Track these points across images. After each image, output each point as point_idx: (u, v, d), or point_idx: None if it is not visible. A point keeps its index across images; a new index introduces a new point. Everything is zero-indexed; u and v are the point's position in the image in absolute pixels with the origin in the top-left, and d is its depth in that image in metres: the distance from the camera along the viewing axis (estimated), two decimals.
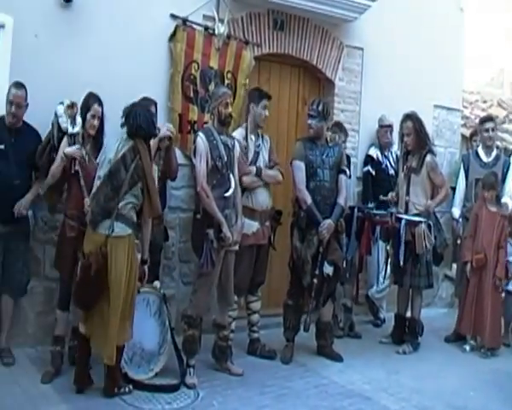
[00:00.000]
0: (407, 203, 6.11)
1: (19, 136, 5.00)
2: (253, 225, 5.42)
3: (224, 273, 5.02)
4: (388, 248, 6.34)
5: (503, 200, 6.51)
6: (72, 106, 4.80)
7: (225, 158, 4.96)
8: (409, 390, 5.17)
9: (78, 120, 4.80)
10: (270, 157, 5.66)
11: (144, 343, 4.91)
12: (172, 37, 5.84)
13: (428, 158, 6.05)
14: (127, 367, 4.79)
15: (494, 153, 6.87)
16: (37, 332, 5.37)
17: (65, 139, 4.78)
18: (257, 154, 5.55)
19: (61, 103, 4.82)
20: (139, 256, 4.62)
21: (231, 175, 5.02)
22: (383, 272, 6.65)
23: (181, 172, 5.73)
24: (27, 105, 4.97)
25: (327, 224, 5.40)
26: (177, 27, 5.83)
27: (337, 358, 5.73)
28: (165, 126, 5.16)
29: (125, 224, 4.42)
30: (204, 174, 4.87)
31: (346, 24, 6.92)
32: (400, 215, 6.07)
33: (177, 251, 6.05)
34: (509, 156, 7.10)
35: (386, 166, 7.00)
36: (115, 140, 4.54)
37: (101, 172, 4.47)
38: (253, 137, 5.55)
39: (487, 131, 6.83)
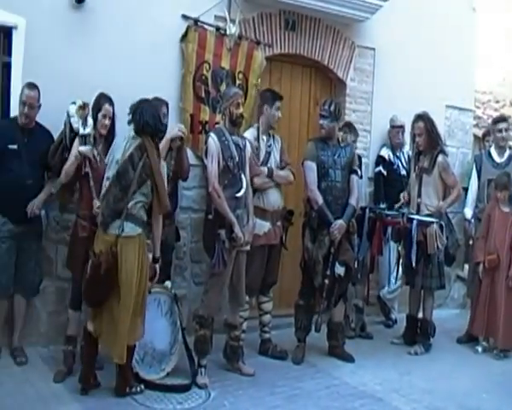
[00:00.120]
0: (419, 204, 6.09)
1: (31, 136, 5.03)
2: (264, 226, 5.42)
3: (235, 273, 5.03)
4: (400, 248, 6.32)
5: None
6: (83, 107, 4.82)
7: (237, 158, 4.96)
8: (420, 391, 5.14)
9: (90, 121, 4.82)
10: (281, 157, 5.66)
11: (155, 343, 4.92)
12: (184, 37, 5.85)
13: (440, 158, 6.03)
14: (138, 367, 4.81)
15: (507, 153, 6.84)
16: (50, 332, 5.40)
17: (77, 140, 4.80)
18: (268, 154, 5.55)
19: (73, 103, 4.84)
20: (150, 256, 4.63)
21: (243, 175, 5.02)
22: (395, 273, 6.62)
23: (192, 173, 5.74)
24: (40, 106, 5.01)
25: (338, 224, 5.40)
26: (188, 28, 5.84)
27: (348, 358, 5.72)
28: (176, 127, 5.17)
29: (135, 223, 4.43)
30: (216, 175, 4.87)
31: (358, 24, 6.90)
32: (412, 216, 6.04)
33: (189, 251, 6.06)
34: None
35: (398, 166, 6.98)
36: (122, 139, 4.56)
37: (110, 172, 4.49)
38: (264, 138, 5.56)
39: (500, 131, 6.80)
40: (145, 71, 5.59)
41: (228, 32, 5.99)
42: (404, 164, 6.91)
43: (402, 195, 6.28)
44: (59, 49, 5.30)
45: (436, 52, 7.48)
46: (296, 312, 5.68)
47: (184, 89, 5.88)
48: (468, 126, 8.18)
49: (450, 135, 7.88)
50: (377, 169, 7.06)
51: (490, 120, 8.22)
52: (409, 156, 6.75)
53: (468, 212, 7.05)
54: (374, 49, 7.16)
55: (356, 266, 5.79)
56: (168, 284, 5.14)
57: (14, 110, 5.06)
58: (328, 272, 5.42)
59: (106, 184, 4.48)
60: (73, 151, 4.79)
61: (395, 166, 6.98)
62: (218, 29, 5.98)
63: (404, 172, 6.87)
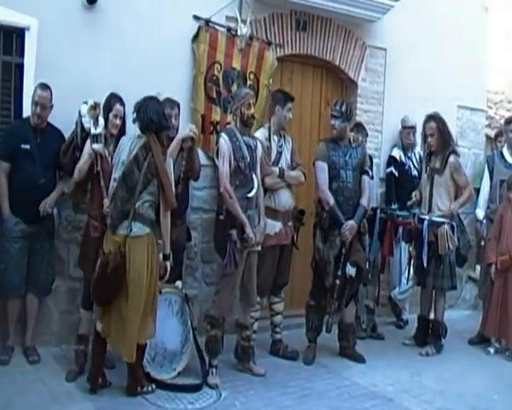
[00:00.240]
0: (430, 204, 6.07)
1: (43, 136, 5.07)
2: (275, 226, 5.42)
3: (246, 274, 5.03)
4: (411, 249, 6.30)
5: None
6: (94, 107, 4.84)
7: (248, 159, 4.97)
8: (432, 392, 5.13)
9: (101, 121, 4.85)
10: (292, 158, 5.66)
11: (166, 343, 4.94)
12: (195, 38, 5.86)
13: (452, 159, 6.00)
14: (150, 367, 4.82)
15: None
16: (62, 331, 5.43)
17: (88, 140, 4.82)
18: (279, 154, 5.56)
19: (85, 103, 4.87)
20: (161, 255, 4.64)
21: (254, 176, 5.02)
22: (406, 274, 6.60)
23: (203, 173, 5.75)
24: (52, 106, 5.04)
25: (349, 225, 5.39)
26: (199, 28, 5.85)
27: (359, 359, 5.71)
28: (187, 127, 5.19)
29: (143, 223, 4.44)
30: (227, 175, 4.87)
31: (369, 24, 6.89)
32: (423, 216, 6.03)
33: (200, 251, 6.07)
34: None
35: (410, 167, 6.95)
36: (128, 139, 4.57)
37: (116, 174, 4.50)
38: (275, 138, 5.56)
39: None
40: (156, 71, 5.60)
41: (239, 33, 6.00)
42: (416, 165, 6.89)
43: (414, 193, 6.26)
44: (71, 49, 5.33)
45: (448, 52, 7.46)
46: (307, 312, 5.68)
47: (196, 89, 5.90)
48: (480, 127, 8.14)
49: (462, 135, 7.85)
50: (388, 170, 7.04)
51: (502, 121, 8.15)
52: (420, 157, 6.73)
53: (480, 213, 7.01)
54: (385, 49, 7.14)
55: (367, 266, 5.78)
56: (179, 283, 5.15)
57: (27, 111, 5.09)
58: (340, 273, 5.42)
59: (113, 185, 4.50)
60: (86, 149, 4.81)
61: (406, 167, 6.96)
62: (229, 29, 5.99)
63: (415, 172, 6.85)
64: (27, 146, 5.00)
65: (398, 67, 7.16)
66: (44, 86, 4.97)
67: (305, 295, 5.80)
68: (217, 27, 5.94)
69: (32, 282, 5.15)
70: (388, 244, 6.36)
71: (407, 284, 6.76)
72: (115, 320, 4.47)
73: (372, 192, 6.16)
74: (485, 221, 6.98)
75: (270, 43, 6.23)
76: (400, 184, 6.90)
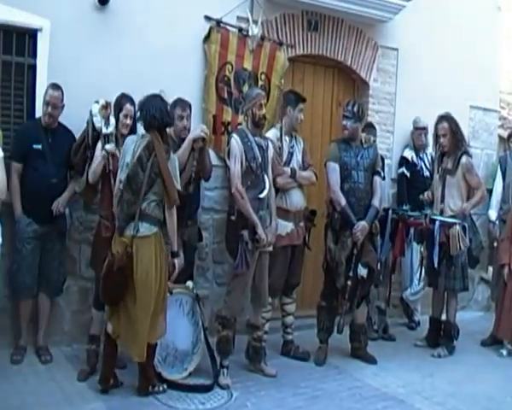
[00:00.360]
0: (442, 205, 6.04)
1: (55, 136, 5.10)
2: (287, 226, 5.42)
3: (258, 274, 5.03)
4: (422, 249, 6.28)
5: None
6: (106, 106, 4.86)
7: (259, 159, 4.97)
8: (444, 394, 5.10)
9: (112, 120, 4.87)
10: (303, 158, 5.65)
11: (177, 343, 4.94)
12: (206, 38, 5.87)
13: (464, 159, 5.97)
14: (161, 367, 4.83)
15: None
16: (73, 331, 5.46)
17: (100, 140, 4.84)
18: (290, 155, 5.56)
19: (96, 102, 4.89)
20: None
21: (265, 176, 5.02)
22: (418, 274, 6.57)
23: (214, 173, 5.75)
24: (63, 106, 5.07)
25: (361, 226, 5.37)
26: (211, 29, 5.86)
27: (371, 360, 5.70)
28: (199, 128, 5.18)
29: (150, 223, 4.44)
30: (238, 176, 4.87)
31: (381, 24, 6.87)
32: (435, 217, 6.00)
33: (211, 252, 6.07)
34: None
35: (421, 167, 6.93)
36: (132, 140, 4.57)
37: (122, 175, 4.51)
38: (287, 139, 5.56)
39: None
40: (168, 72, 5.62)
41: (250, 33, 6.00)
42: (428, 165, 6.87)
43: (426, 193, 6.24)
44: (83, 50, 5.35)
45: (460, 52, 7.43)
46: (318, 313, 5.67)
47: (207, 90, 5.90)
48: (492, 127, 8.10)
49: (475, 136, 7.82)
50: (400, 170, 7.02)
51: None
52: (432, 158, 6.71)
53: (493, 213, 6.99)
54: (397, 49, 7.12)
55: (378, 267, 5.76)
56: (190, 284, 5.15)
57: (39, 111, 5.12)
58: (351, 274, 5.41)
59: (119, 186, 4.50)
60: (98, 152, 4.83)
61: (418, 168, 6.94)
62: (240, 30, 6.00)
63: (427, 173, 6.83)
64: (39, 146, 5.03)
65: (410, 68, 7.13)
66: (56, 86, 5.00)
67: (316, 295, 5.79)
68: (228, 28, 5.95)
69: (44, 282, 5.18)
70: (400, 245, 6.33)
71: (419, 284, 6.74)
72: (124, 321, 4.48)
73: (384, 193, 6.16)
74: (497, 222, 6.96)
75: (281, 44, 6.23)
76: (412, 184, 6.88)
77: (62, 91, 5.02)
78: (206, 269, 6.07)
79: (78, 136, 5.08)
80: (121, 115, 4.94)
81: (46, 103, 4.99)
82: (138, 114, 4.59)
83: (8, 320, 5.21)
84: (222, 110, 5.99)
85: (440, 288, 6.08)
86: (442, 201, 6.04)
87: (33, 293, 5.16)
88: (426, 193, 6.26)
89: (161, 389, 4.67)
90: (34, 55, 5.26)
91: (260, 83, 6.13)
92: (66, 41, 5.28)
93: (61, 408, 4.33)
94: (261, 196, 4.95)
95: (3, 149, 4.71)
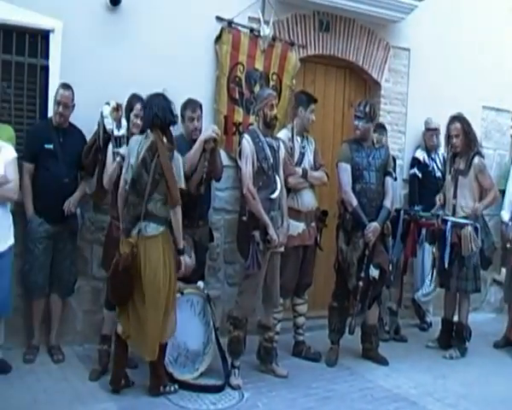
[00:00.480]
0: (454, 206, 6.01)
1: (66, 136, 5.13)
2: (298, 226, 5.41)
3: (269, 275, 5.02)
4: (434, 250, 6.25)
5: None
6: (117, 109, 4.88)
7: (271, 160, 4.96)
8: (456, 396, 5.07)
9: (124, 122, 4.89)
10: (315, 159, 5.65)
11: (189, 344, 4.95)
12: (218, 39, 5.88)
13: (476, 160, 5.94)
14: (172, 367, 4.83)
15: None
16: (85, 330, 5.48)
17: (110, 143, 4.86)
18: (302, 155, 5.55)
19: (107, 104, 4.91)
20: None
21: (277, 177, 5.01)
22: (429, 276, 6.54)
23: (225, 174, 5.76)
24: (74, 106, 5.10)
25: (373, 227, 5.36)
26: (222, 29, 5.87)
27: (382, 361, 5.68)
28: (210, 128, 5.19)
29: (157, 223, 4.46)
30: (250, 176, 4.87)
31: (393, 24, 6.86)
32: (446, 217, 5.98)
33: (222, 252, 6.08)
34: None
35: (433, 168, 6.92)
36: (136, 141, 4.57)
37: (127, 175, 4.52)
38: (298, 139, 5.56)
39: None
40: (179, 72, 5.63)
41: (262, 34, 6.00)
42: (440, 166, 6.85)
43: (437, 197, 6.21)
44: (95, 51, 5.37)
45: (472, 52, 7.40)
46: (330, 314, 5.66)
47: (218, 90, 5.91)
48: (505, 128, 8.05)
49: (487, 136, 7.78)
50: (412, 171, 7.01)
51: None
52: (444, 158, 6.68)
53: (505, 214, 6.93)
54: (409, 49, 7.10)
55: (390, 268, 5.74)
56: (201, 284, 5.16)
57: (52, 112, 5.14)
58: (363, 275, 5.39)
59: (126, 187, 4.51)
60: (109, 154, 4.84)
61: (430, 169, 6.93)
62: (251, 30, 6.00)
63: (439, 174, 6.81)
64: (50, 146, 5.06)
65: (422, 68, 7.11)
66: (66, 86, 5.03)
67: (327, 296, 5.78)
68: (239, 28, 5.95)
69: (56, 282, 5.21)
70: (411, 246, 6.31)
71: (430, 285, 6.71)
72: (134, 321, 4.49)
73: (395, 193, 6.13)
74: (510, 223, 6.89)
75: (292, 44, 6.23)
76: (424, 185, 6.87)
77: (73, 91, 5.04)
78: (218, 269, 6.07)
79: (90, 136, 5.10)
80: (132, 115, 4.95)
81: (57, 103, 5.02)
82: (141, 112, 4.61)
83: (21, 320, 5.24)
84: (233, 111, 5.99)
85: (452, 289, 6.05)
86: (454, 201, 6.01)
87: (45, 292, 5.19)
88: (437, 197, 6.23)
89: (172, 389, 4.68)
90: (47, 56, 5.29)
91: (272, 83, 6.13)
92: (79, 42, 5.30)
93: (73, 407, 4.36)
94: (273, 196, 4.94)
95: (16, 150, 4.75)
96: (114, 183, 4.87)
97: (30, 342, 5.20)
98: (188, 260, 5.08)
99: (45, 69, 5.30)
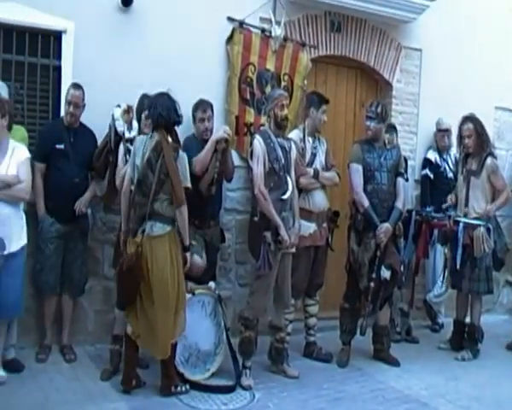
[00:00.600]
0: (466, 207, 5.98)
1: (77, 136, 5.16)
2: (309, 227, 5.41)
3: (280, 275, 5.02)
4: (446, 251, 6.23)
5: None
6: (128, 111, 4.90)
7: (282, 160, 4.96)
8: (468, 398, 5.04)
9: (135, 124, 4.90)
10: (326, 159, 5.64)
11: (200, 344, 4.95)
12: (229, 39, 5.89)
13: (489, 161, 5.91)
14: (183, 368, 4.84)
15: None
16: (97, 330, 5.51)
17: (121, 146, 4.88)
18: (313, 155, 5.55)
19: (118, 106, 4.93)
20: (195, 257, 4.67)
21: (288, 177, 5.00)
22: (441, 277, 6.52)
23: (237, 174, 5.77)
24: (84, 105, 5.13)
25: (384, 228, 5.34)
26: (234, 30, 5.88)
27: (394, 362, 5.66)
28: (221, 129, 5.19)
29: (164, 222, 4.47)
30: (261, 177, 4.87)
31: (404, 25, 6.84)
32: (458, 218, 5.95)
33: (234, 253, 6.09)
34: None
35: (445, 169, 6.90)
36: (141, 142, 4.57)
37: (132, 174, 4.53)
38: (310, 139, 5.55)
39: None
40: (191, 73, 5.64)
41: (273, 34, 6.00)
42: (451, 167, 6.82)
43: (449, 197, 6.19)
44: (106, 51, 5.40)
45: (485, 52, 7.36)
46: (341, 315, 5.65)
47: (230, 91, 5.92)
48: None
49: (500, 137, 7.74)
50: (424, 172, 6.99)
51: None
52: (456, 159, 6.65)
53: None
54: (420, 50, 7.08)
55: (402, 269, 5.72)
56: (212, 284, 5.16)
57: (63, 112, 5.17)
58: (374, 276, 5.38)
59: (131, 187, 4.52)
60: (120, 156, 4.87)
61: (442, 169, 6.91)
62: (263, 31, 6.00)
63: (451, 174, 6.78)
64: (61, 146, 5.09)
65: (434, 68, 7.09)
66: (77, 86, 5.05)
67: (339, 297, 5.76)
68: (251, 29, 5.96)
69: (67, 282, 5.24)
70: (423, 247, 6.30)
71: (442, 286, 6.68)
72: (142, 321, 4.50)
73: (407, 194, 6.11)
74: None
75: (304, 45, 6.23)
76: (435, 186, 6.86)
77: (83, 91, 5.07)
78: (229, 270, 6.08)
79: (102, 136, 5.12)
80: (143, 116, 4.96)
81: (68, 103, 5.05)
82: (146, 112, 4.61)
83: (34, 320, 5.28)
84: (244, 111, 6.00)
85: (464, 290, 6.02)
86: (466, 202, 5.98)
87: (56, 292, 5.21)
88: (449, 197, 6.21)
89: (184, 389, 4.68)
90: (59, 56, 5.33)
91: (283, 84, 6.13)
92: (91, 42, 5.33)
93: (85, 406, 4.37)
94: (284, 197, 4.93)
95: (29, 151, 4.78)
96: None
97: (42, 342, 5.24)
98: (199, 260, 5.10)
99: (58, 70, 5.33)
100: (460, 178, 6.13)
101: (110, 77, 5.35)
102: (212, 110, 5.38)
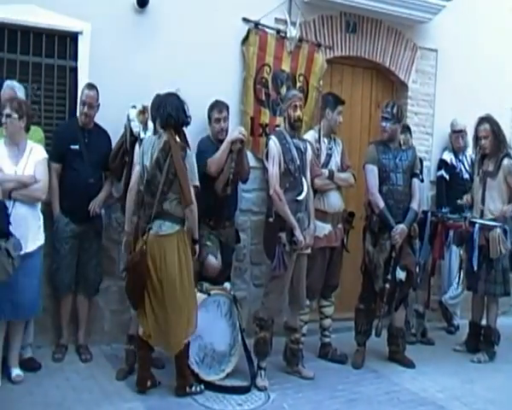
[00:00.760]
0: (482, 208, 5.94)
1: (91, 136, 5.19)
2: (325, 228, 5.40)
3: (295, 276, 5.01)
4: (462, 252, 6.19)
5: None
6: (143, 111, 4.91)
7: (298, 161, 4.95)
8: (483, 401, 5.00)
9: (150, 125, 4.91)
10: (342, 160, 5.63)
11: (215, 344, 4.96)
12: (245, 40, 5.89)
13: (506, 162, 5.86)
14: (198, 368, 4.85)
15: None
16: (113, 330, 5.53)
17: (137, 146, 4.88)
18: (329, 156, 5.54)
19: (134, 107, 4.95)
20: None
21: (304, 178, 5.00)
22: (457, 278, 6.48)
23: (252, 175, 5.77)
24: (99, 105, 5.16)
25: (400, 229, 5.32)
26: (249, 31, 5.88)
27: (409, 364, 5.64)
28: (237, 129, 5.21)
29: (172, 221, 4.49)
30: (277, 177, 4.86)
31: (420, 25, 6.81)
32: (474, 219, 5.92)
33: (249, 253, 6.09)
34: None
35: (461, 170, 6.86)
36: (149, 143, 4.59)
37: (141, 173, 4.55)
38: (325, 140, 5.54)
39: None
40: (207, 74, 5.65)
41: (288, 35, 6.00)
42: (467, 168, 6.79)
43: (465, 197, 6.16)
44: (122, 52, 5.43)
45: (501, 53, 7.31)
46: (356, 316, 5.64)
47: (245, 91, 5.92)
48: None
49: None
50: (439, 173, 6.95)
51: None
52: (472, 160, 6.62)
53: None
54: (436, 50, 7.05)
55: (417, 270, 5.70)
56: (227, 285, 5.17)
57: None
58: (389, 277, 5.36)
59: (141, 187, 4.54)
60: (136, 156, 4.87)
61: (457, 170, 6.88)
62: (278, 32, 6.00)
63: (466, 176, 6.75)
64: (76, 146, 5.12)
65: (450, 69, 7.05)
66: (91, 86, 5.08)
67: (354, 298, 5.75)
68: (266, 30, 5.96)
69: (82, 281, 5.27)
70: (439, 248, 6.27)
71: (458, 288, 6.65)
72: (152, 320, 4.51)
73: (422, 195, 6.09)
74: None
75: (319, 45, 6.22)
76: (451, 187, 6.82)
77: (97, 91, 5.09)
78: (244, 270, 6.08)
79: (118, 137, 5.14)
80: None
81: (82, 103, 5.08)
82: (154, 112, 4.63)
83: (50, 319, 5.32)
84: (260, 112, 6.00)
85: (480, 292, 5.98)
86: (482, 203, 5.94)
87: (72, 291, 5.25)
88: (465, 197, 6.18)
89: (198, 389, 4.69)
90: (75, 57, 5.36)
91: (298, 85, 6.13)
92: (107, 43, 5.36)
93: (101, 406, 4.40)
94: (299, 198, 4.92)
95: (46, 151, 4.81)
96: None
97: (58, 341, 5.27)
98: (214, 261, 5.12)
99: (74, 71, 5.37)
100: (476, 179, 6.09)
101: (126, 77, 5.37)
102: (228, 111, 5.40)
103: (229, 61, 5.88)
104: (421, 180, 5.94)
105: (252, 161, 5.79)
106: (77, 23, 5.27)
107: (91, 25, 5.31)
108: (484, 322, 6.14)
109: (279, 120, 5.83)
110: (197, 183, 4.65)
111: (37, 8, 5.08)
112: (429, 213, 6.26)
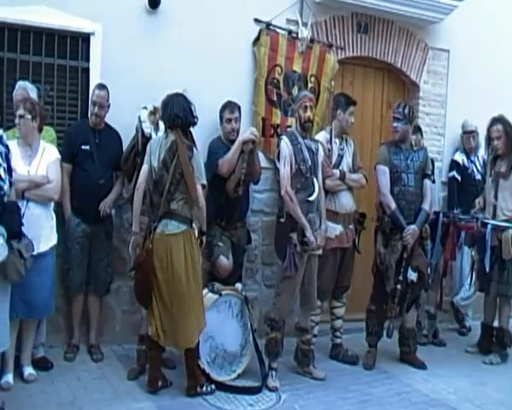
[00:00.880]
0: (495, 209, 5.92)
1: (102, 137, 5.21)
2: (336, 228, 5.39)
3: (307, 277, 5.01)
4: (473, 253, 6.17)
5: None
6: (154, 112, 4.93)
7: (309, 162, 4.95)
8: (495, 403, 4.98)
9: (161, 125, 4.91)
10: (353, 161, 5.62)
11: (226, 345, 4.97)
12: (256, 41, 5.89)
13: None
14: (209, 368, 4.86)
15: None
16: (124, 330, 5.55)
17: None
18: (340, 157, 5.53)
19: (145, 108, 4.96)
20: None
21: (315, 179, 4.99)
22: (469, 279, 6.45)
23: (264, 176, 5.78)
24: (109, 106, 5.18)
25: (411, 229, 5.31)
26: (260, 31, 5.88)
27: (420, 365, 5.62)
28: (248, 130, 5.22)
29: (179, 221, 4.50)
30: (288, 178, 4.86)
31: (432, 25, 6.79)
32: (486, 220, 5.89)
33: (260, 254, 6.09)
34: None
35: (473, 171, 6.83)
36: (157, 143, 4.60)
37: (149, 173, 4.57)
38: (337, 141, 5.53)
39: None
40: (218, 74, 5.67)
41: (300, 36, 6.00)
42: (479, 169, 6.76)
43: (477, 200, 6.14)
44: (134, 53, 5.45)
45: None
46: (368, 317, 5.63)
47: (257, 92, 5.92)
48: None
49: None
50: (451, 174, 6.92)
51: None
52: (484, 161, 6.59)
53: None
54: (448, 50, 7.02)
55: (428, 271, 5.68)
56: (239, 285, 5.18)
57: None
58: (401, 278, 5.35)
59: (149, 187, 4.56)
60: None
61: (469, 171, 6.84)
62: (290, 32, 6.00)
63: (478, 176, 6.72)
64: (87, 147, 5.14)
65: (462, 69, 7.02)
66: (101, 86, 5.11)
67: (365, 299, 5.73)
68: (278, 30, 5.96)
69: (92, 281, 5.29)
70: (451, 249, 6.24)
71: (470, 289, 6.62)
72: (159, 320, 4.52)
73: (434, 196, 6.07)
74: None
75: (331, 46, 6.21)
76: (463, 188, 6.80)
77: (108, 91, 5.11)
78: (255, 271, 6.09)
79: (129, 137, 5.15)
80: None
81: (93, 103, 5.10)
82: (161, 112, 4.64)
83: (62, 319, 5.35)
84: (271, 112, 6.00)
85: (492, 293, 5.95)
86: (495, 204, 5.91)
87: (83, 291, 5.27)
88: (477, 201, 6.15)
89: (209, 389, 4.70)
90: (87, 58, 5.39)
91: (310, 85, 6.12)
92: (119, 44, 5.38)
93: (112, 405, 4.42)
94: (310, 198, 4.92)
95: (58, 151, 4.83)
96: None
97: (70, 341, 5.30)
98: (225, 261, 5.12)
99: (86, 71, 5.39)
100: (488, 180, 6.07)
101: (137, 78, 5.39)
102: (240, 112, 5.41)
103: (240, 61, 5.89)
104: (433, 181, 5.92)
105: (263, 162, 5.80)
106: (89, 24, 5.30)
107: (103, 26, 5.34)
108: (496, 323, 6.11)
109: (290, 120, 5.83)
110: (204, 181, 4.67)
111: (50, 9, 5.11)
112: (441, 214, 6.22)
